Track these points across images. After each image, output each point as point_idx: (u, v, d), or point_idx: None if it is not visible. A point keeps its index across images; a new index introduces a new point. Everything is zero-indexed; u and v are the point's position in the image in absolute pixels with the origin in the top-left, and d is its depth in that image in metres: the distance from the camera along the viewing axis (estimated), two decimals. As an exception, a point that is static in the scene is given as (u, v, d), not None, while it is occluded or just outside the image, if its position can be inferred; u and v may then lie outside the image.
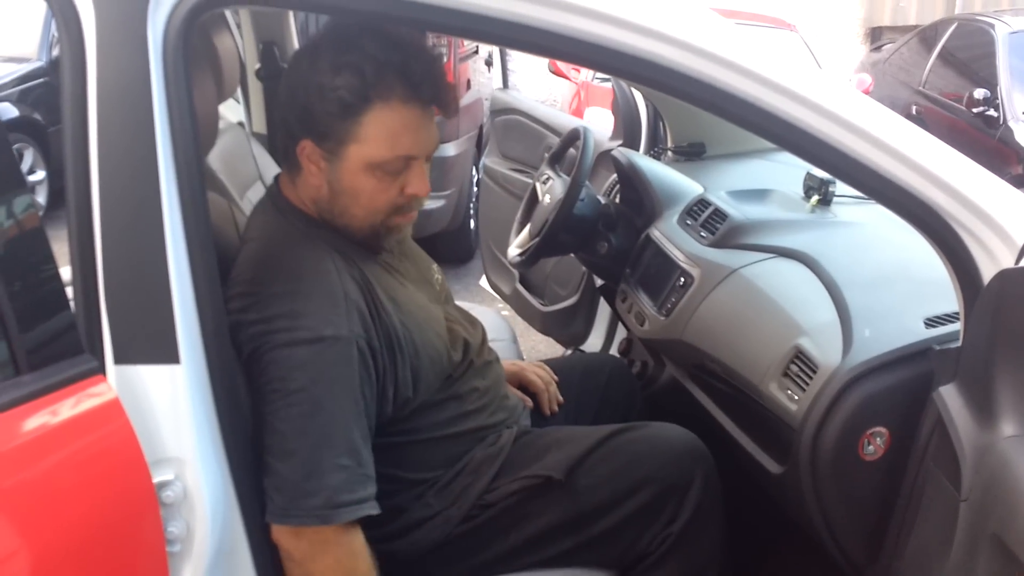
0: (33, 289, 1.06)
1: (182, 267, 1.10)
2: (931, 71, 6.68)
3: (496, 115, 3.30)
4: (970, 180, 1.18)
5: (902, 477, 1.36)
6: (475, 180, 5.17)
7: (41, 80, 6.21)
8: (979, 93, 5.53)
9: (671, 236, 2.05)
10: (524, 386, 1.83)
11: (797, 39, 7.45)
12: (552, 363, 1.95)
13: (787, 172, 2.19)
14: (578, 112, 6.63)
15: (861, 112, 1.16)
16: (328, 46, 1.31)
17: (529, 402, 1.79)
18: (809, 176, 2.01)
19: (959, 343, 1.26)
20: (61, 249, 1.08)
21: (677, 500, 1.52)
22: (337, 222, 1.40)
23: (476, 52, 5.58)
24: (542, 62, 7.65)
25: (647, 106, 2.69)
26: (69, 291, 1.09)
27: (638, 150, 2.66)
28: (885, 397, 1.38)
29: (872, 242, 1.81)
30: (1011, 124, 5.28)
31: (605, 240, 2.22)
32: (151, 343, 1.09)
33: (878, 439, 1.39)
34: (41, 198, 5.96)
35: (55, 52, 6.32)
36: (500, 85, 3.59)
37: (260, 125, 2.61)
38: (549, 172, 2.34)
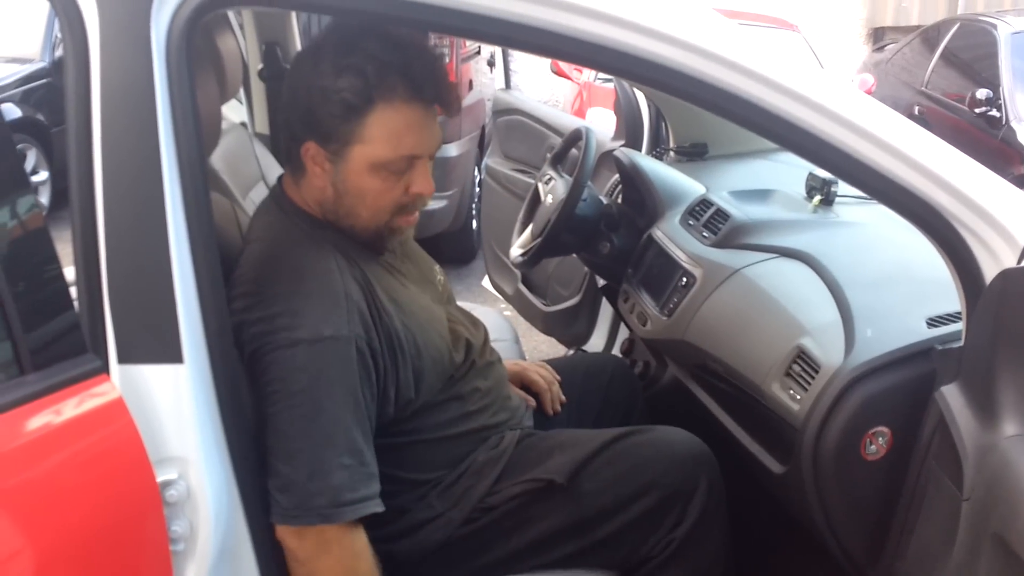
0: (37, 289, 1.07)
1: (185, 267, 1.10)
2: (933, 71, 6.67)
3: (498, 115, 3.30)
4: (972, 180, 1.18)
5: (904, 477, 1.36)
6: (477, 180, 5.18)
7: (44, 81, 6.22)
8: (981, 93, 5.53)
9: (673, 236, 2.05)
10: (527, 386, 1.83)
11: (799, 39, 7.45)
12: (554, 363, 1.95)
13: (789, 172, 2.19)
14: (580, 112, 6.63)
15: (863, 112, 1.16)
16: (330, 48, 1.32)
17: (532, 402, 1.79)
18: (811, 176, 2.01)
19: (961, 343, 1.26)
20: (64, 249, 1.08)
21: (682, 505, 1.52)
22: (342, 223, 1.40)
23: (478, 53, 5.59)
24: (544, 63, 7.66)
25: (649, 106, 2.69)
26: (73, 291, 1.10)
27: (640, 150, 2.67)
28: (887, 397, 1.38)
29: (874, 242, 1.81)
30: (1013, 124, 5.27)
31: (607, 240, 2.22)
32: (155, 343, 1.09)
33: (880, 439, 1.39)
34: (44, 199, 5.96)
35: (58, 53, 6.33)
36: (502, 86, 3.59)
37: (263, 126, 2.62)
38: (551, 172, 2.35)
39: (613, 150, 2.49)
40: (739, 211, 1.95)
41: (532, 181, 2.49)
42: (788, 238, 1.83)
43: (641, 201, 2.24)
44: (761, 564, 1.88)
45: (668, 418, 2.08)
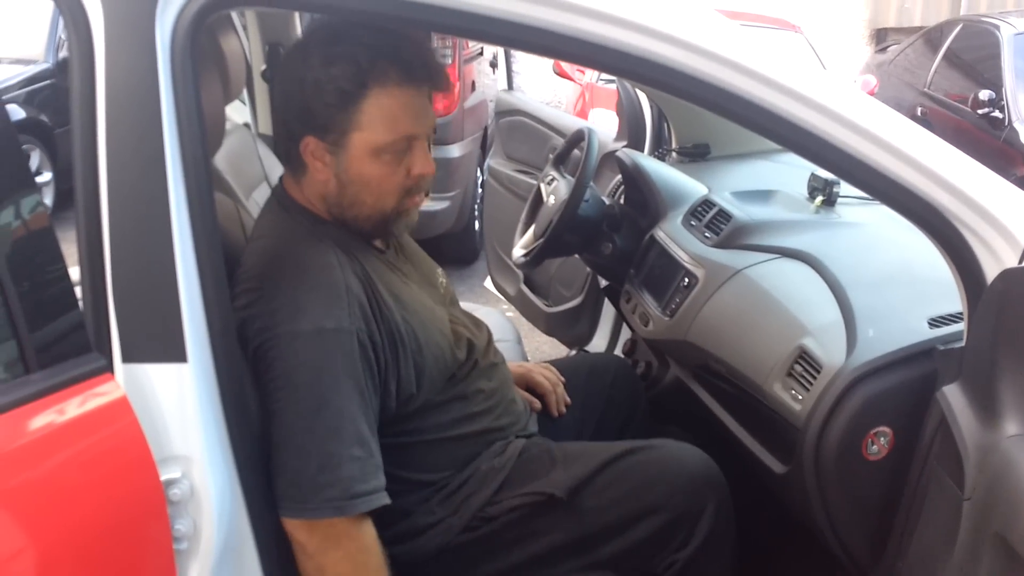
0: (42, 288, 1.07)
1: (189, 267, 1.11)
2: (936, 72, 6.67)
3: (500, 116, 3.31)
4: (973, 180, 1.18)
5: (906, 476, 1.36)
6: (479, 181, 5.18)
7: (48, 82, 6.23)
8: (984, 94, 5.52)
9: (675, 237, 2.06)
10: (531, 387, 1.82)
11: (802, 40, 7.45)
12: (557, 364, 1.95)
13: (791, 173, 2.20)
14: (582, 113, 6.63)
15: (865, 113, 1.17)
16: (317, 42, 1.34)
17: (537, 403, 1.79)
18: (813, 177, 2.01)
19: (963, 343, 1.26)
20: (68, 250, 1.09)
21: (687, 528, 1.50)
22: (348, 214, 1.40)
23: (481, 54, 5.59)
24: (547, 64, 7.67)
25: (651, 107, 2.70)
26: (77, 290, 1.10)
27: (642, 151, 2.67)
28: (889, 397, 1.38)
29: (876, 242, 1.81)
30: (1016, 125, 5.27)
31: (609, 241, 2.23)
32: (159, 342, 1.10)
33: (882, 439, 1.39)
34: (47, 199, 5.97)
35: (62, 54, 6.34)
36: (505, 87, 3.60)
37: (266, 126, 2.62)
38: (553, 173, 2.35)
39: (615, 151, 2.49)
40: (741, 212, 1.96)
41: (534, 182, 2.49)
42: (790, 238, 1.83)
43: (643, 202, 2.24)
44: (763, 564, 1.88)
45: (670, 418, 2.09)
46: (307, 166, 1.39)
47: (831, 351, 1.48)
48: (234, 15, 1.93)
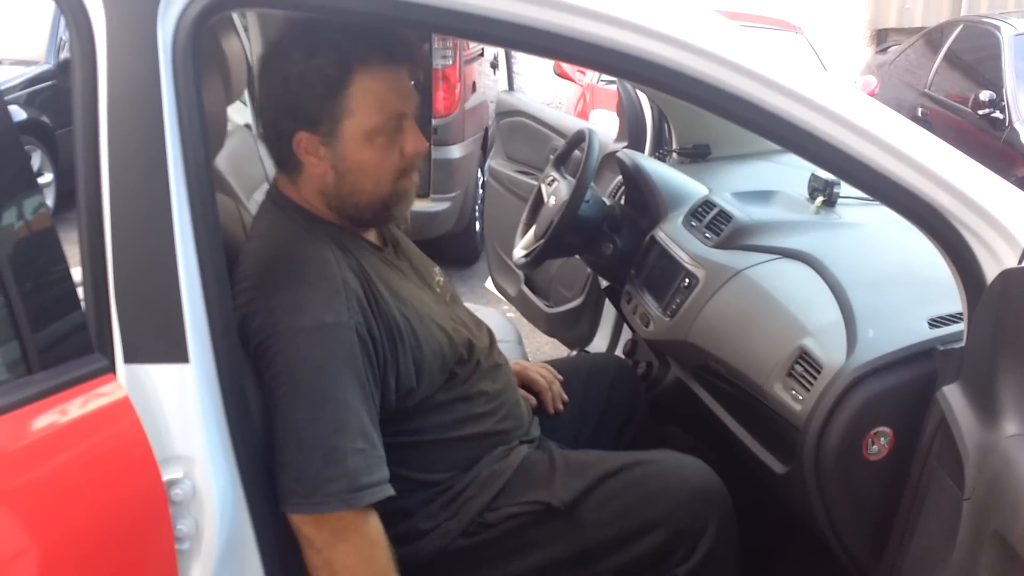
0: (44, 289, 1.07)
1: (191, 267, 1.11)
2: (937, 73, 6.67)
3: (501, 117, 3.31)
4: (973, 180, 1.18)
5: (906, 476, 1.37)
6: (480, 182, 5.18)
7: (49, 83, 6.23)
8: (985, 95, 5.53)
9: (676, 237, 2.06)
10: (527, 385, 1.83)
11: (802, 41, 7.45)
12: (557, 364, 1.96)
13: (792, 173, 2.20)
14: (583, 114, 6.64)
15: (864, 114, 1.17)
16: (295, 38, 1.35)
17: (533, 400, 1.79)
18: (813, 177, 2.01)
19: (963, 343, 1.26)
20: (70, 251, 1.09)
21: (689, 544, 1.49)
22: (348, 204, 1.41)
23: (482, 55, 5.60)
24: (547, 65, 7.67)
25: (652, 108, 2.70)
26: (80, 291, 1.10)
27: (643, 152, 2.67)
28: (889, 397, 1.38)
29: (876, 243, 1.82)
30: (1016, 126, 5.27)
31: (610, 241, 2.23)
32: (160, 342, 1.10)
33: (882, 439, 1.39)
34: (49, 200, 5.98)
35: (63, 55, 6.35)
36: (505, 87, 3.61)
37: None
38: (554, 174, 2.35)
39: (616, 151, 2.49)
40: (742, 212, 1.96)
41: (535, 183, 2.49)
42: (790, 239, 1.84)
43: (644, 202, 2.24)
44: (763, 564, 1.89)
45: (671, 419, 2.09)
46: (302, 163, 1.40)
47: (831, 351, 1.48)
48: (235, 16, 1.93)
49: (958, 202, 1.18)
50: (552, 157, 2.43)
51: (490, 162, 3.38)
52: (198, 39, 1.09)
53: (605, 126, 3.32)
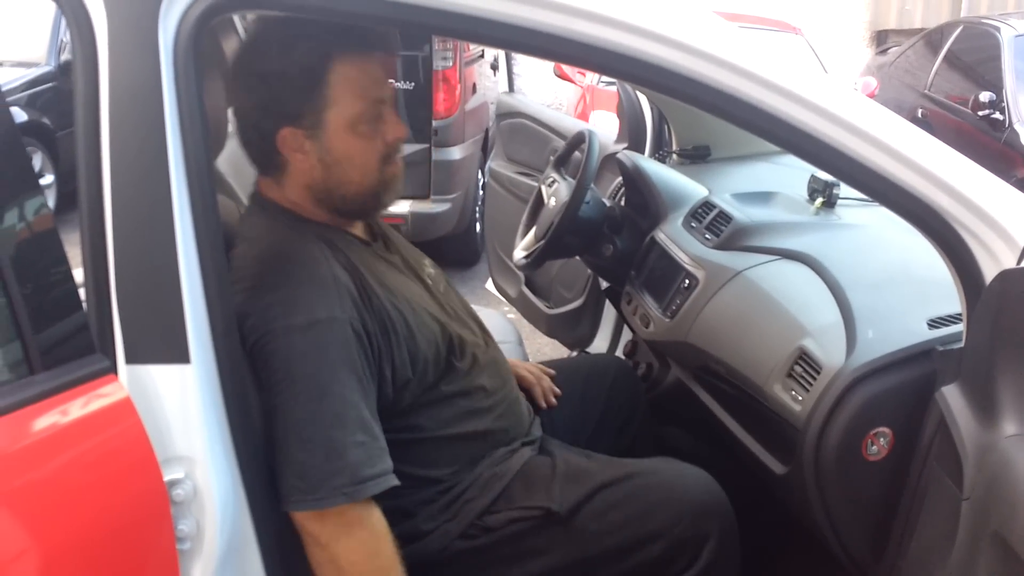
0: (46, 290, 1.08)
1: (192, 268, 1.11)
2: (937, 74, 6.67)
3: (502, 119, 3.31)
4: (971, 181, 1.19)
5: (905, 477, 1.37)
6: (481, 184, 5.19)
7: (50, 85, 6.24)
8: (985, 96, 5.53)
9: (676, 238, 2.06)
10: (516, 382, 1.83)
11: (802, 42, 7.45)
12: (557, 364, 1.96)
13: (791, 175, 2.20)
14: (583, 116, 6.64)
15: (863, 115, 1.17)
16: (268, 35, 1.36)
17: (542, 404, 1.79)
18: (813, 179, 2.02)
19: (962, 344, 1.26)
20: (71, 252, 1.09)
21: (690, 556, 1.50)
22: (336, 196, 1.42)
23: (482, 56, 5.60)
24: (547, 66, 7.68)
25: (652, 109, 2.70)
26: (81, 292, 1.11)
27: (643, 153, 2.67)
28: (888, 397, 1.39)
29: (876, 244, 1.82)
30: (1016, 127, 5.28)
31: (610, 243, 2.23)
32: (162, 343, 1.10)
33: (882, 439, 1.39)
34: (50, 202, 5.98)
35: (64, 57, 6.35)
36: (506, 89, 3.61)
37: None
38: (554, 175, 2.35)
39: (616, 153, 2.50)
40: (741, 213, 1.96)
41: (535, 184, 2.49)
42: (790, 240, 1.84)
43: (644, 203, 2.24)
44: (764, 564, 1.89)
45: (671, 419, 2.10)
46: (287, 162, 1.40)
47: (831, 352, 1.48)
48: (236, 18, 1.94)
49: (956, 203, 1.18)
50: (552, 158, 2.44)
51: (490, 163, 3.39)
52: (199, 41, 1.09)
53: (605, 127, 3.33)
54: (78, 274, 1.11)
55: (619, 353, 2.66)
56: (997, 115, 5.47)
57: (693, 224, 2.07)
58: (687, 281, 1.93)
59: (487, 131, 5.50)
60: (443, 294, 1.60)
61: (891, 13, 11.84)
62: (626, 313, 2.21)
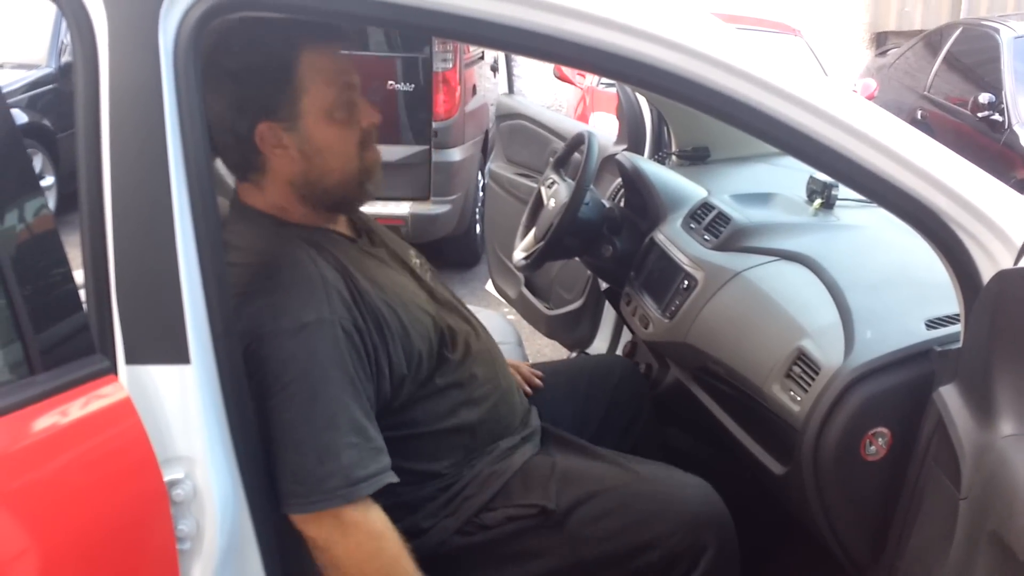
0: (46, 290, 1.08)
1: (192, 269, 1.12)
2: (936, 76, 6.68)
3: (501, 120, 3.32)
4: (969, 182, 1.19)
5: (904, 477, 1.37)
6: (480, 185, 5.19)
7: (50, 86, 6.25)
8: (984, 98, 5.54)
9: (675, 239, 2.07)
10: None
11: (802, 44, 7.46)
12: (559, 366, 1.96)
13: (790, 176, 2.21)
14: (583, 117, 6.64)
15: (862, 116, 1.17)
16: (232, 34, 1.35)
17: (528, 390, 1.80)
18: (812, 180, 2.02)
19: (959, 344, 1.27)
20: (71, 253, 1.10)
21: (687, 565, 1.50)
22: (319, 188, 1.42)
23: (482, 58, 5.61)
24: (547, 68, 7.68)
25: (651, 111, 2.71)
26: (82, 293, 1.11)
27: (642, 154, 2.68)
28: (887, 398, 1.39)
29: (874, 245, 1.82)
30: (1016, 128, 5.28)
31: (610, 244, 2.24)
32: (162, 344, 1.11)
33: (880, 439, 1.40)
34: (50, 203, 5.98)
35: (64, 59, 6.36)
36: (506, 90, 3.61)
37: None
38: (554, 176, 2.36)
39: (615, 154, 2.50)
40: (740, 214, 1.97)
41: (535, 185, 2.50)
42: (789, 241, 1.84)
43: (643, 205, 2.25)
44: (762, 564, 1.89)
45: (671, 420, 2.10)
46: (266, 160, 1.40)
47: (829, 353, 1.48)
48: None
49: (954, 204, 1.18)
50: (552, 160, 2.44)
51: (490, 165, 3.39)
52: (200, 42, 1.10)
53: (605, 129, 3.33)
54: (78, 275, 1.11)
55: (618, 354, 2.66)
56: (996, 117, 5.48)
57: (692, 225, 2.07)
58: (686, 282, 1.93)
59: (487, 133, 5.51)
60: (431, 282, 1.60)
61: (891, 15, 11.85)
62: (625, 314, 2.21)
